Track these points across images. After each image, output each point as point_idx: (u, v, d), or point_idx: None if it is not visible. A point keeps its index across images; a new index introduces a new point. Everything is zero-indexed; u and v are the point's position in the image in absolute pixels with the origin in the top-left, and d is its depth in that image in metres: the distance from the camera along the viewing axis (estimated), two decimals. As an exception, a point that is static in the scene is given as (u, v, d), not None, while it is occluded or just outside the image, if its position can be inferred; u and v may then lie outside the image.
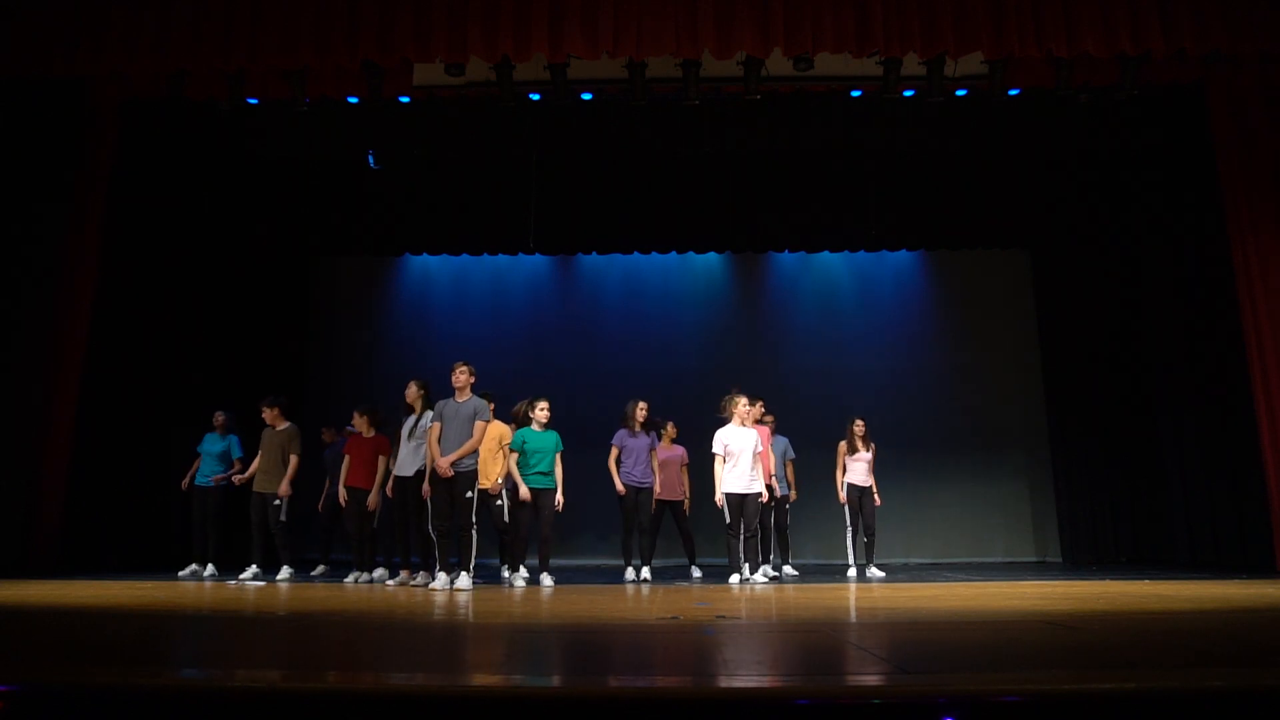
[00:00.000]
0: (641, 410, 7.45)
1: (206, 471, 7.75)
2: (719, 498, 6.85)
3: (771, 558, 7.80)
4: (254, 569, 7.25)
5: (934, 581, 6.98)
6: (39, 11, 7.13)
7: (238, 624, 4.35)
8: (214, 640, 3.80)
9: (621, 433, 7.43)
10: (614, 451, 7.40)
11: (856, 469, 7.87)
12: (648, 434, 7.49)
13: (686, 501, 7.71)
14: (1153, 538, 9.17)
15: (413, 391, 6.80)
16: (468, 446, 6.16)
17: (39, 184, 7.64)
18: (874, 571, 7.67)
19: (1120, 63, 7.28)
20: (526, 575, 6.90)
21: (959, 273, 10.40)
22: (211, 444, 7.83)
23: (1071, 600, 5.14)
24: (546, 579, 6.82)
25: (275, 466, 7.32)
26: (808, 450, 8.24)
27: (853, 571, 7.73)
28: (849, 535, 7.86)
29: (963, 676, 2.74)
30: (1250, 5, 6.86)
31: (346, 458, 7.20)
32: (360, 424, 7.26)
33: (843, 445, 7.89)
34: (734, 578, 6.73)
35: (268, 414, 7.43)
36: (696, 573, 7.59)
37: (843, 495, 7.85)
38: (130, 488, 8.26)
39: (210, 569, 7.60)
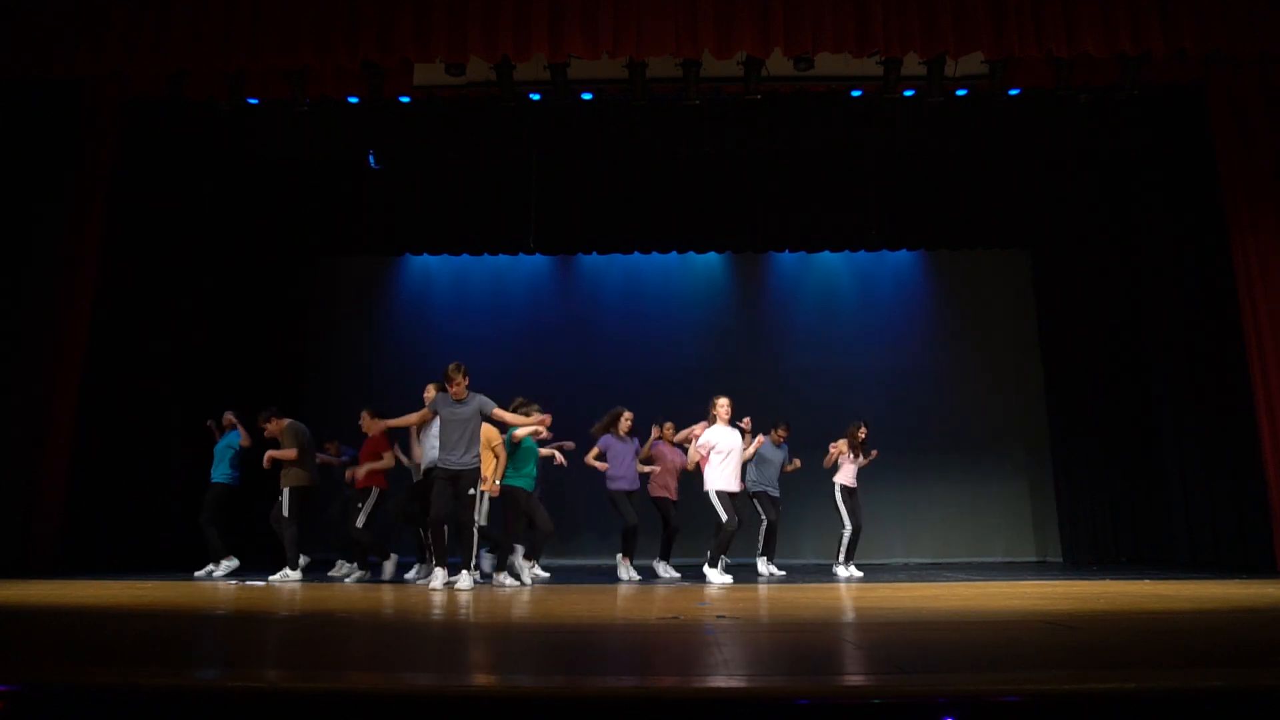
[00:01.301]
0: (627, 420, 7.62)
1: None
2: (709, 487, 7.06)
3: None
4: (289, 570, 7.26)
5: (934, 581, 6.98)
6: (39, 11, 7.13)
7: (237, 624, 4.35)
8: (214, 640, 3.80)
9: (607, 437, 7.57)
10: (595, 451, 7.59)
11: (849, 472, 7.87)
12: (632, 439, 7.66)
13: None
14: (1153, 538, 9.16)
15: (431, 393, 6.90)
16: (513, 418, 6.43)
17: (39, 184, 7.64)
18: (851, 570, 7.68)
19: (1120, 63, 7.28)
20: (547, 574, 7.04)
21: (959, 273, 10.40)
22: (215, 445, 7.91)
23: (1071, 600, 5.14)
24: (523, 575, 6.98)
25: (284, 467, 7.35)
26: (808, 450, 8.23)
27: (841, 570, 7.69)
28: (846, 535, 7.79)
29: (963, 676, 2.75)
30: (1250, 5, 6.85)
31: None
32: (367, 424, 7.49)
33: (843, 444, 7.89)
34: (714, 572, 6.94)
35: (271, 427, 7.43)
36: (668, 571, 7.60)
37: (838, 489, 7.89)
38: (130, 488, 8.25)
39: (209, 568, 7.61)
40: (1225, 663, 2.92)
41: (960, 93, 7.87)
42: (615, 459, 7.53)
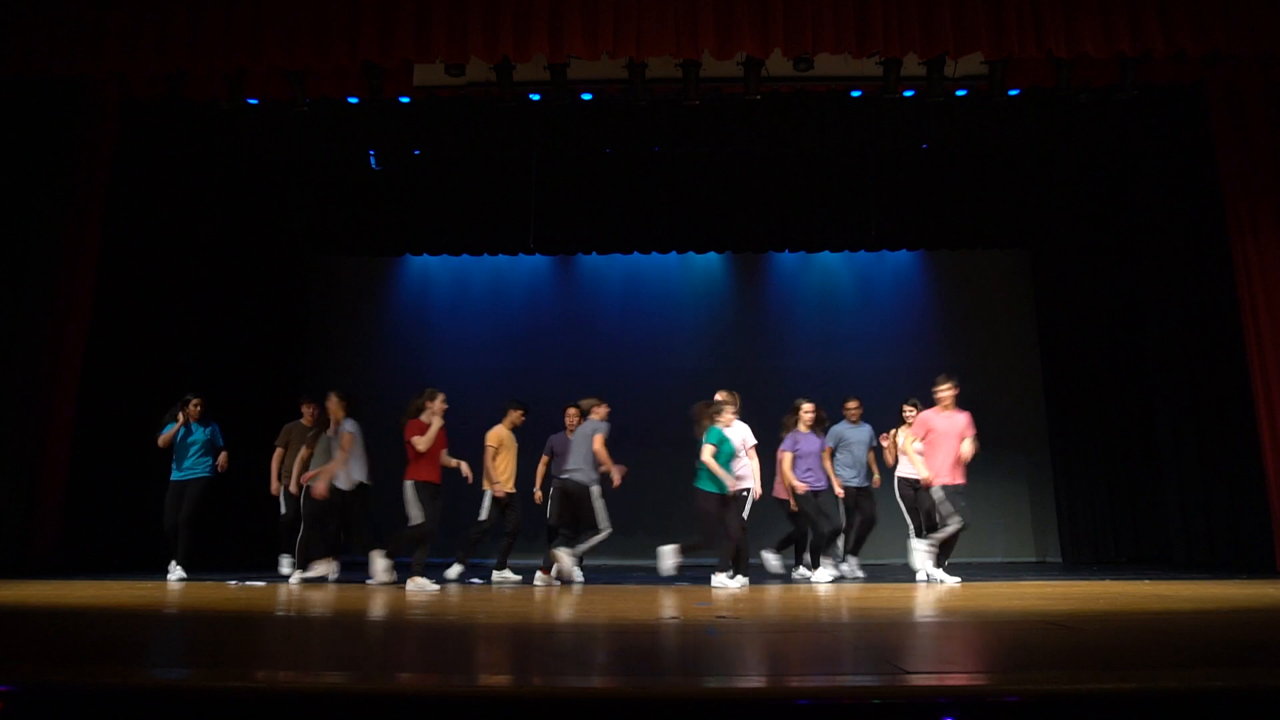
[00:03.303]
0: (807, 412, 7.23)
1: (190, 464, 7.44)
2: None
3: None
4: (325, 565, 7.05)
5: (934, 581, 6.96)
6: (39, 11, 7.13)
7: (237, 624, 4.35)
8: (213, 640, 3.80)
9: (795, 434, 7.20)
10: (788, 458, 7.19)
11: (907, 462, 7.17)
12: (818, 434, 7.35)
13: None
14: (1152, 538, 9.16)
15: (334, 402, 6.91)
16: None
17: (39, 185, 7.63)
18: (943, 576, 6.79)
19: (1120, 63, 7.28)
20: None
21: (959, 273, 10.40)
22: (195, 433, 7.47)
23: (1071, 600, 5.14)
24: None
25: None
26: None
27: (922, 575, 6.87)
28: (911, 535, 7.17)
29: (963, 676, 2.75)
30: (1250, 5, 6.85)
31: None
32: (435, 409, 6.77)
33: (894, 433, 7.36)
34: (721, 577, 6.53)
35: (333, 407, 7.09)
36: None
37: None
38: (130, 488, 8.24)
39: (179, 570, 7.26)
40: (1225, 663, 2.92)
41: (960, 93, 7.86)
42: (804, 454, 7.07)
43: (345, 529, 7.13)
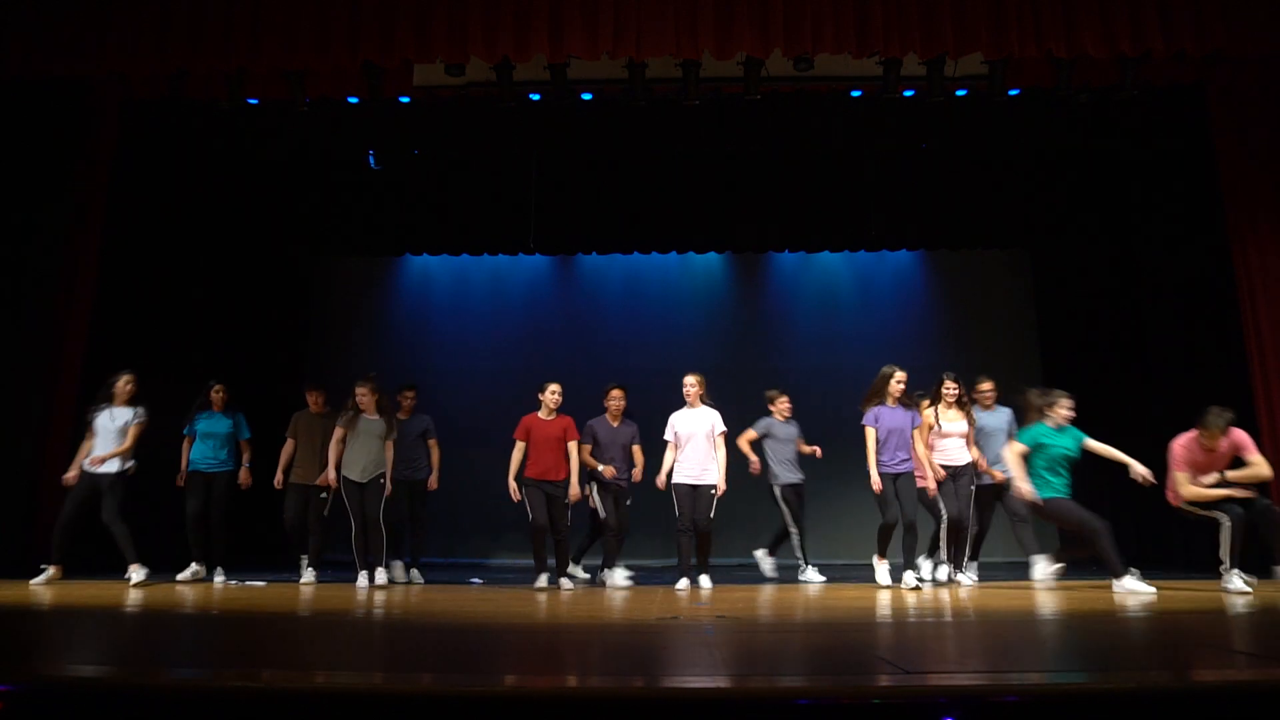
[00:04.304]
0: (898, 383, 6.44)
1: (210, 456, 7.37)
2: (659, 480, 6.66)
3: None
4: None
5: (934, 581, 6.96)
6: (39, 12, 7.13)
7: (239, 624, 4.35)
8: (214, 641, 3.80)
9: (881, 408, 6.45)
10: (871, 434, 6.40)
11: (947, 445, 6.46)
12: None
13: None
14: (1152, 538, 9.15)
15: (121, 385, 6.90)
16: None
17: (39, 185, 7.63)
18: (961, 577, 6.64)
19: (1120, 63, 7.28)
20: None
21: (959, 273, 10.39)
22: (217, 424, 7.40)
23: (1072, 600, 5.14)
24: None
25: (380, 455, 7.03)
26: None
27: (960, 575, 6.68)
28: (942, 535, 6.60)
29: (963, 676, 2.75)
30: (1250, 6, 6.85)
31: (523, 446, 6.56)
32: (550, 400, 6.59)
33: (927, 416, 6.53)
34: (682, 581, 6.39)
35: (367, 399, 6.96)
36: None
37: (930, 485, 6.45)
38: (130, 488, 8.22)
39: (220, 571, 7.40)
40: (1225, 663, 2.92)
41: (960, 93, 7.87)
42: (884, 433, 6.23)
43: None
